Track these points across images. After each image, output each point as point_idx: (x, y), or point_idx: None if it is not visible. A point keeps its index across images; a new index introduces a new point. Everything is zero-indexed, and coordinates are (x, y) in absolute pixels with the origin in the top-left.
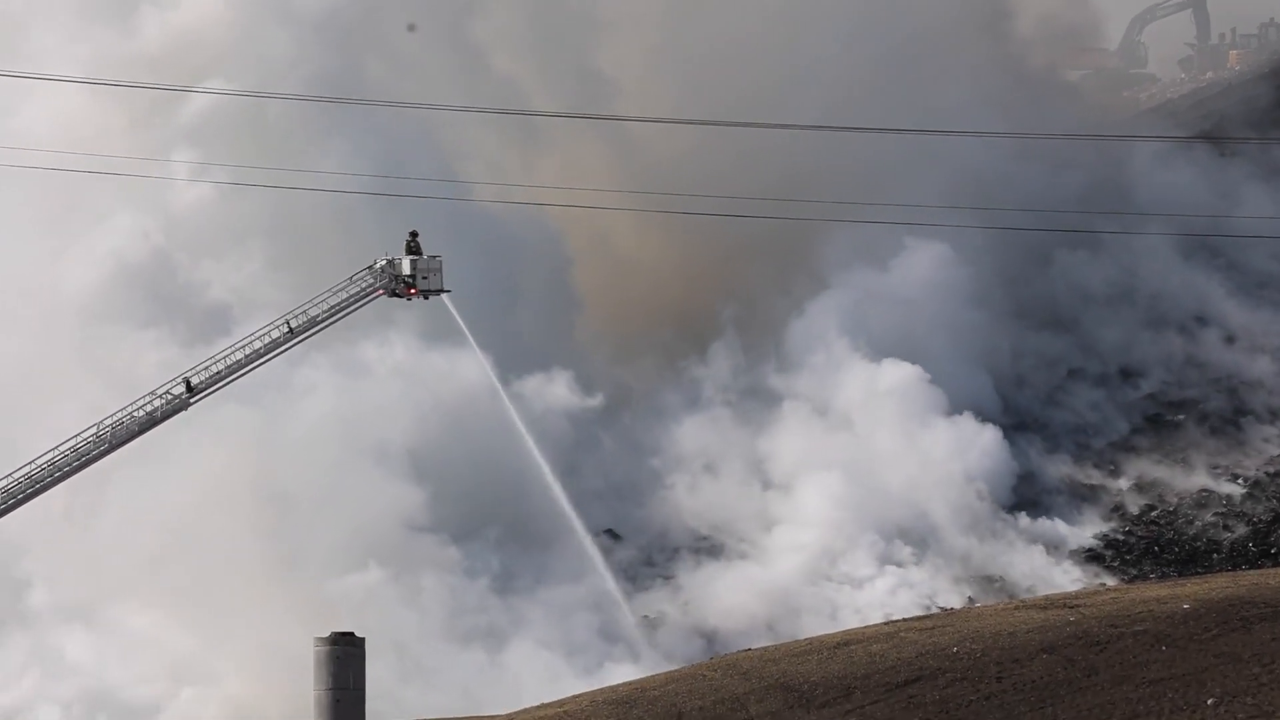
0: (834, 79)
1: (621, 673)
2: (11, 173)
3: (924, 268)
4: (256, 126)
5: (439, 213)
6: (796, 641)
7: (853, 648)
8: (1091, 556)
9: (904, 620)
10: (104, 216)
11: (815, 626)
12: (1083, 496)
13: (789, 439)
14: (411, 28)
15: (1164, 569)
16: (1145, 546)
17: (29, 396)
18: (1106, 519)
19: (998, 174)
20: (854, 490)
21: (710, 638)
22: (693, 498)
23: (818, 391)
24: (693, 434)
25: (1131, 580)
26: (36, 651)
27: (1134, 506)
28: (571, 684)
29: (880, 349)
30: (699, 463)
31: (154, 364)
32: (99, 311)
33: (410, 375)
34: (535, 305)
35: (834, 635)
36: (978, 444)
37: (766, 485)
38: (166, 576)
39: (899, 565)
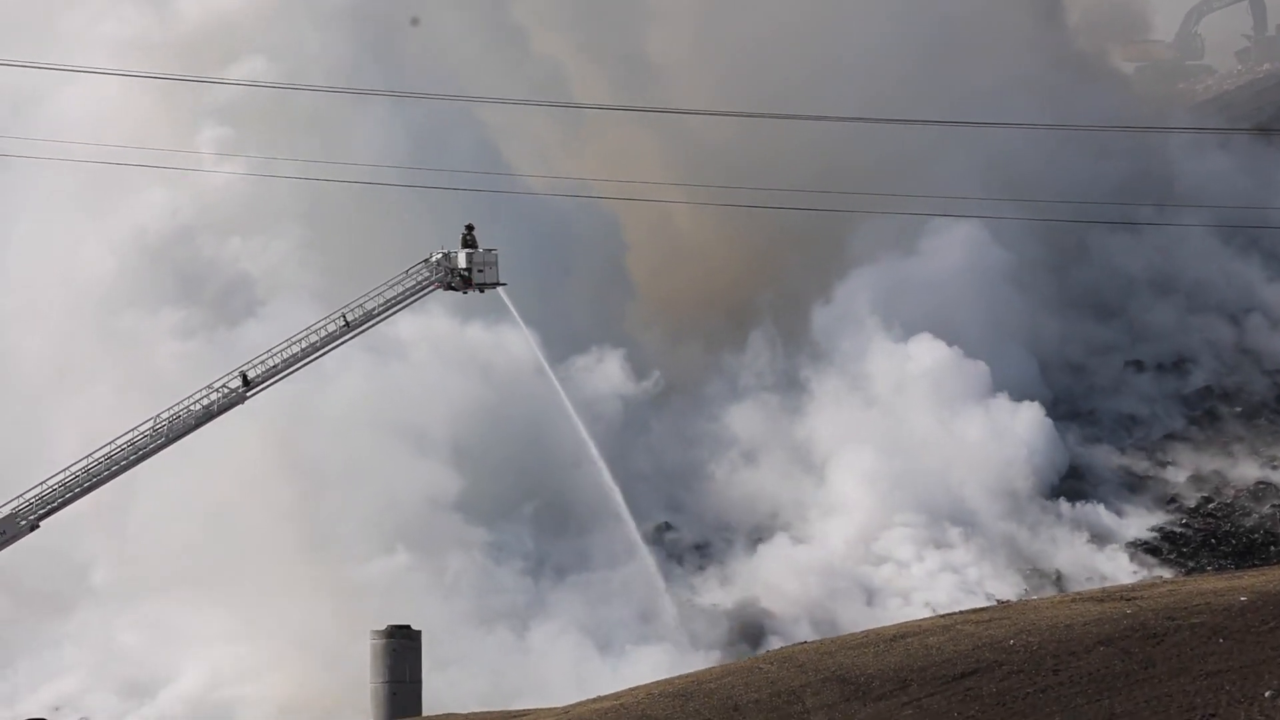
0: (879, 67)
1: (664, 660)
2: (45, 153)
3: (968, 254)
4: (292, 112)
5: (474, 198)
6: (852, 634)
7: (909, 640)
8: (1149, 549)
9: (960, 613)
10: (136, 201)
11: (862, 612)
12: (1130, 486)
13: (837, 424)
14: (415, 21)
15: (1221, 561)
16: (1202, 539)
17: (58, 382)
18: (1151, 510)
19: (1039, 163)
20: (902, 475)
21: (756, 624)
22: (739, 483)
23: (865, 376)
24: (741, 419)
25: (1188, 573)
26: (79, 638)
27: (1190, 498)
28: (619, 672)
29: (930, 333)
30: (746, 448)
31: (182, 349)
32: (129, 297)
33: (450, 355)
34: (580, 291)
35: (890, 628)
36: (1023, 426)
37: (813, 471)
38: (201, 562)
39: (953, 550)
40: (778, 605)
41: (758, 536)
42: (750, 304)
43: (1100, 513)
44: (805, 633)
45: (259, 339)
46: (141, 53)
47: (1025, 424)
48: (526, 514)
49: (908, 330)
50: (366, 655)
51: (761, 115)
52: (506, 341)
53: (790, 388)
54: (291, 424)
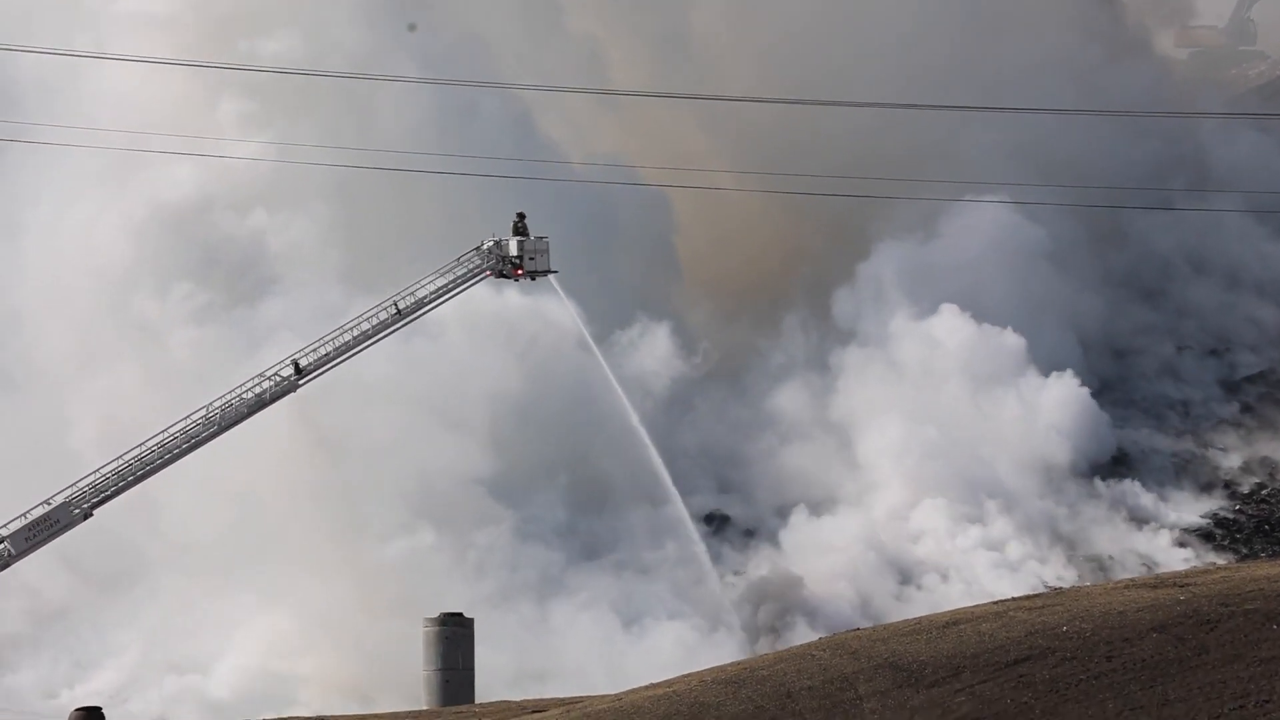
0: (921, 45)
1: (704, 641)
2: (72, 135)
3: (1009, 234)
4: (322, 90)
5: (503, 176)
6: (905, 621)
7: (962, 627)
8: (1202, 535)
9: (1013, 599)
10: (162, 182)
11: (901, 590)
12: (1177, 470)
13: (878, 402)
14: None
15: (1275, 548)
16: (1255, 525)
17: (80, 366)
18: (1197, 496)
19: (1077, 144)
20: (945, 451)
21: (794, 603)
22: (780, 462)
23: (909, 354)
24: (785, 397)
25: (1242, 559)
26: (123, 623)
27: (1243, 484)
28: (670, 654)
29: (971, 310)
30: (787, 426)
31: (207, 331)
32: (153, 279)
33: (486, 329)
34: (621, 270)
35: (942, 614)
36: (1065, 402)
37: (854, 449)
38: (235, 543)
39: (995, 529)
40: (816, 584)
41: (796, 515)
42: (792, 282)
43: (1142, 494)
44: (843, 610)
45: (285, 320)
46: (168, 30)
47: (1066, 400)
48: (563, 492)
49: (949, 307)
50: (407, 637)
51: (796, 101)
52: (544, 314)
53: (833, 367)
54: (325, 400)
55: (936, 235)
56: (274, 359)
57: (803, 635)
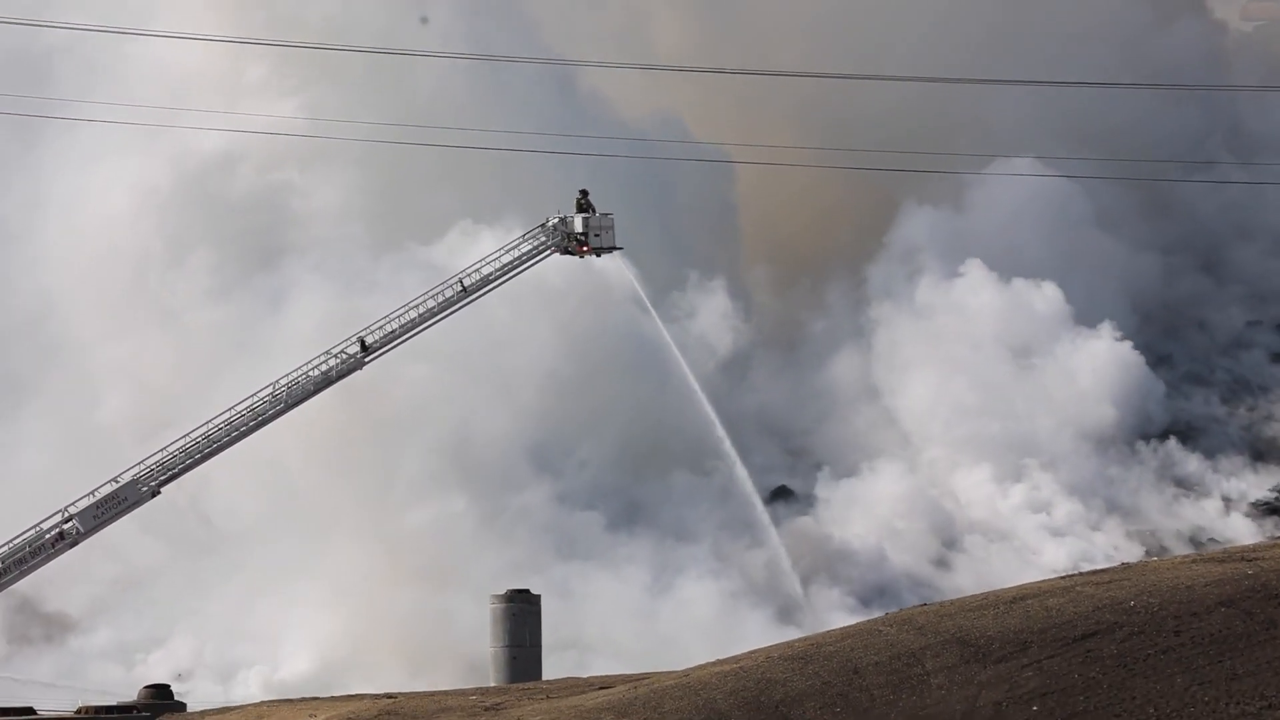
0: (971, 9)
1: (764, 608)
2: (111, 107)
3: (1063, 203)
4: (358, 59)
5: (540, 144)
6: (971, 596)
7: (1029, 602)
8: (1268, 509)
9: (1080, 574)
10: (196, 151)
11: (947, 555)
12: (1235, 442)
13: (927, 364)
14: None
15: None
16: None
17: (110, 336)
18: (1257, 468)
19: (1123, 112)
20: (997, 413)
21: (843, 567)
22: (826, 424)
23: (961, 318)
24: (839, 365)
25: None
26: (175, 600)
27: None
28: (736, 632)
29: (1023, 273)
30: (842, 392)
31: (230, 302)
32: (178, 250)
33: (532, 295)
34: (671, 237)
35: (1009, 590)
36: (1121, 367)
37: (899, 410)
38: (278, 513)
39: (1044, 491)
40: (862, 546)
41: (846, 478)
42: (841, 249)
43: (1192, 459)
44: (890, 574)
45: (311, 284)
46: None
47: (1115, 363)
48: (616, 457)
49: (998, 270)
50: (460, 609)
51: (835, 76)
52: (599, 277)
53: (889, 330)
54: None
55: (993, 201)
56: (300, 325)
57: (846, 599)
